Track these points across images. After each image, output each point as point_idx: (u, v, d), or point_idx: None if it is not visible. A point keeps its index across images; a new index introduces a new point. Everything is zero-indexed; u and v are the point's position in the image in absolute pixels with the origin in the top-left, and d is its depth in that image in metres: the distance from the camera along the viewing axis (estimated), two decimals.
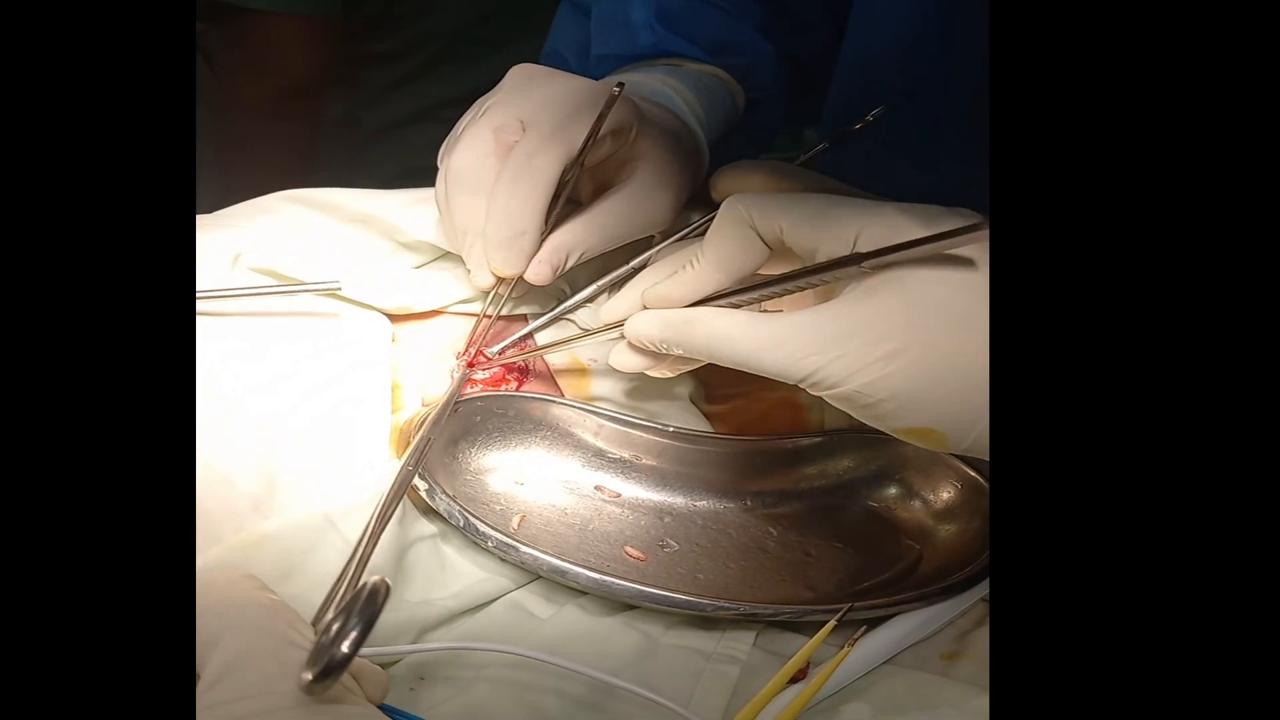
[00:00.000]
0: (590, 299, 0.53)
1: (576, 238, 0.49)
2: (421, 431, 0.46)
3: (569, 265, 0.49)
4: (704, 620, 0.45)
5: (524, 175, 0.45)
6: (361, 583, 0.32)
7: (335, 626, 0.31)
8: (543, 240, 0.48)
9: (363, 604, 0.31)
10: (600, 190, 0.52)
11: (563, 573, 0.43)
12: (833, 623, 0.42)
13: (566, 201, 0.48)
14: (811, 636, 0.45)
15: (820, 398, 0.53)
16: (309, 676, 0.29)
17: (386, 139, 1.09)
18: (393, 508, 0.40)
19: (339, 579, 0.38)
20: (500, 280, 0.50)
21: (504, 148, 0.47)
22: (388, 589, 0.32)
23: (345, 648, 0.30)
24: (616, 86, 0.45)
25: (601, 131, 0.46)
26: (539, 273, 0.47)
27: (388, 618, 0.41)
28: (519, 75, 0.50)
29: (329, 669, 0.29)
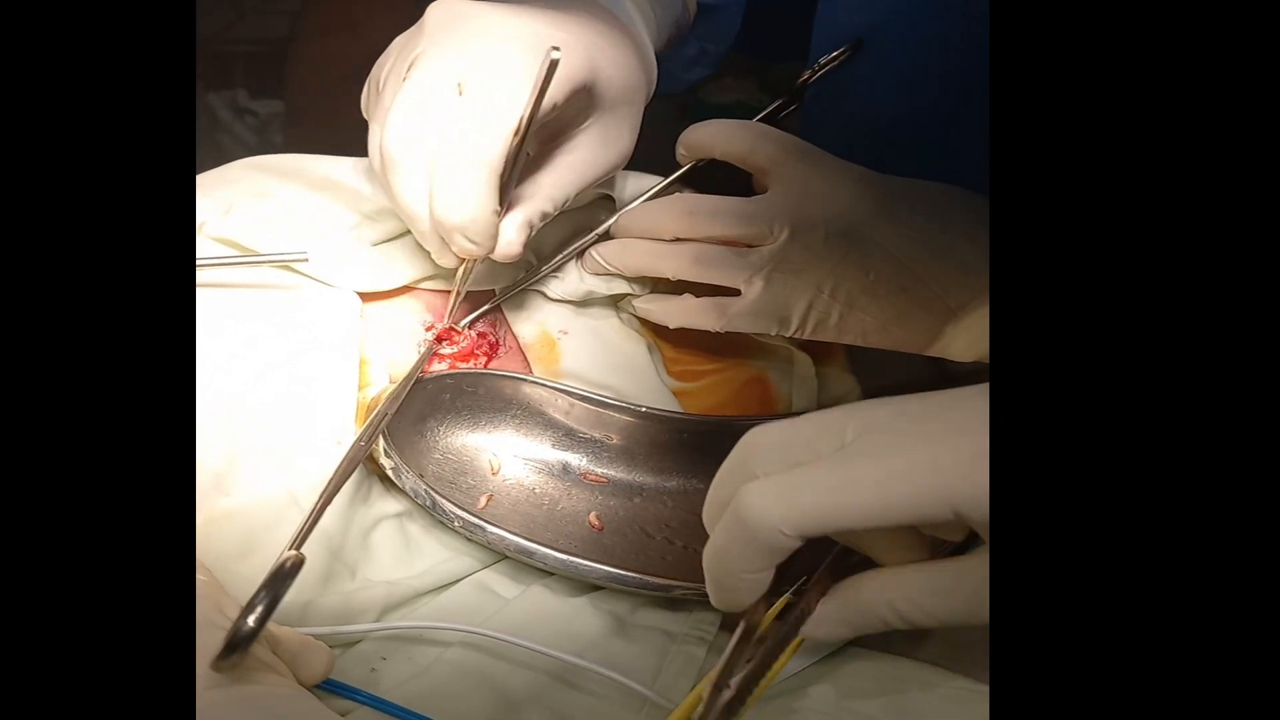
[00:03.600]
0: (557, 269, 0.53)
1: (540, 204, 0.46)
2: (379, 406, 0.45)
3: (536, 230, 0.47)
4: (670, 601, 0.45)
5: (471, 155, 0.42)
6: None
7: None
8: (504, 214, 0.45)
9: (269, 578, 0.31)
10: (554, 137, 0.48)
11: (530, 553, 0.43)
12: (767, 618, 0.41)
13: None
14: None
15: (789, 375, 0.54)
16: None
17: None
18: (342, 482, 0.40)
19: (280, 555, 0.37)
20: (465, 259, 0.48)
21: (442, 116, 0.42)
22: (297, 564, 0.32)
23: (250, 622, 0.30)
24: (554, 51, 0.39)
25: (547, 99, 0.42)
26: (509, 251, 0.45)
27: (352, 596, 0.41)
28: (441, 14, 0.45)
29: (232, 644, 0.29)
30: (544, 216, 0.46)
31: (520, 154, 0.43)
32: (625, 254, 0.50)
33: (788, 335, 0.49)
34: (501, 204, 0.43)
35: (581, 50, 0.44)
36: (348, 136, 0.53)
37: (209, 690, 0.29)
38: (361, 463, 0.45)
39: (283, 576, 0.31)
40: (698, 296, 0.51)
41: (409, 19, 0.47)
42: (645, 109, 0.51)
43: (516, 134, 0.41)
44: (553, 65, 0.39)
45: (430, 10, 0.45)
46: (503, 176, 0.42)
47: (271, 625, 0.34)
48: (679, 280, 0.50)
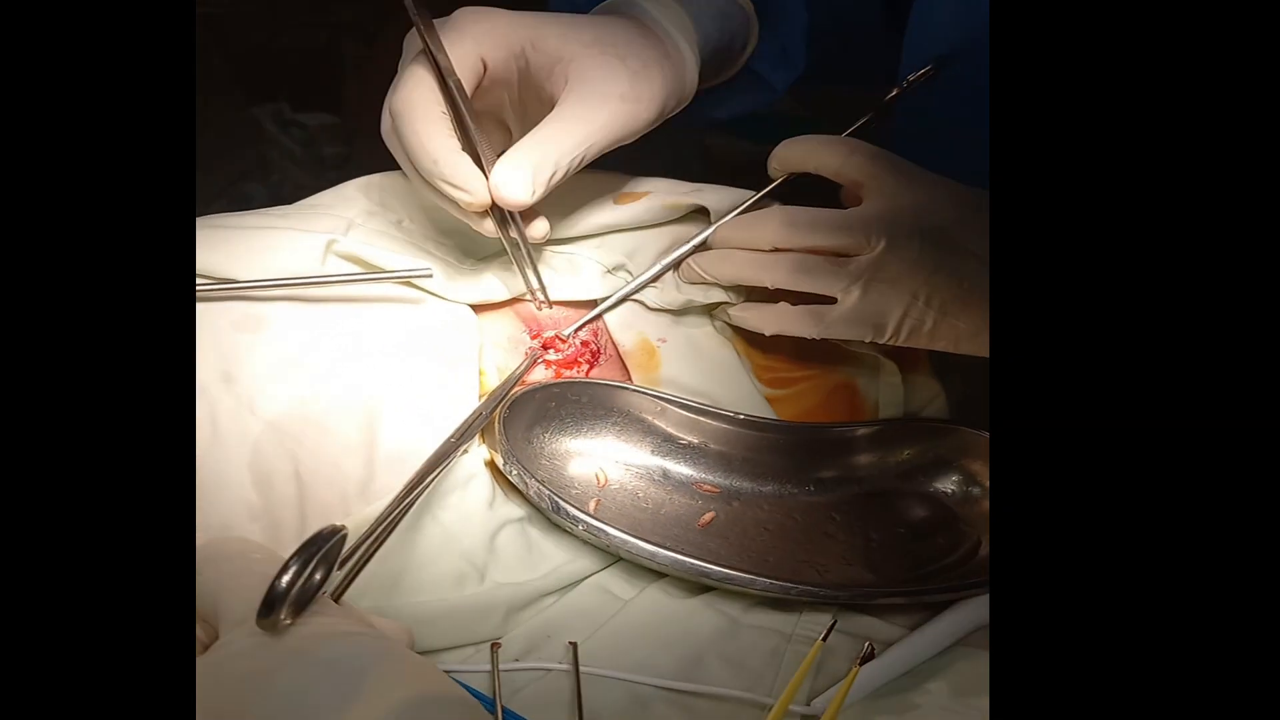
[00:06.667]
0: (655, 279, 0.55)
1: (533, 151, 0.46)
2: (476, 407, 0.47)
3: (540, 179, 0.46)
4: (780, 602, 0.47)
5: (418, 110, 0.45)
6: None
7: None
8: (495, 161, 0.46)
9: (305, 543, 0.32)
10: (547, 103, 0.49)
11: (652, 555, 0.45)
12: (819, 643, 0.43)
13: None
14: (881, 618, 0.47)
15: (876, 382, 0.56)
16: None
17: None
18: (429, 480, 0.41)
19: (367, 534, 0.38)
20: (487, 211, 0.47)
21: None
22: (336, 532, 0.33)
23: (283, 582, 0.30)
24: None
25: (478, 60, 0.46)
26: (508, 194, 0.45)
27: (481, 597, 0.43)
28: (455, 17, 0.48)
29: (269, 602, 0.30)
30: (543, 163, 0.46)
31: (461, 108, 0.46)
32: (724, 264, 0.52)
33: (882, 342, 0.51)
34: (481, 158, 0.46)
35: (523, 25, 0.48)
36: None
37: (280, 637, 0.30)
38: (487, 469, 0.47)
39: (319, 542, 0.32)
40: (793, 304, 0.52)
41: None
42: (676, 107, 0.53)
43: (444, 88, 0.45)
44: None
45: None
46: (456, 126, 0.45)
47: (348, 604, 0.35)
48: (775, 290, 0.52)
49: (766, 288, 0.52)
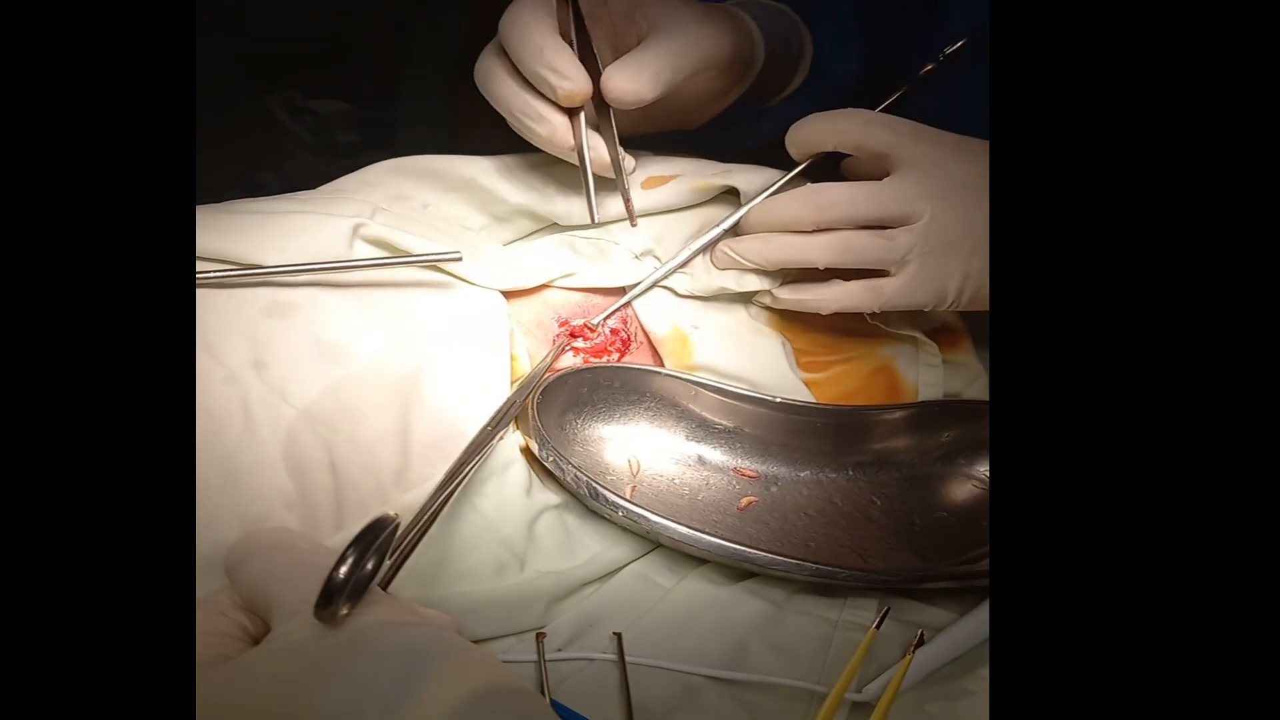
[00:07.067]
0: (685, 264, 0.53)
1: (641, 58, 0.47)
2: (509, 395, 0.46)
3: (662, 76, 0.47)
4: (824, 587, 0.46)
5: (519, 17, 0.46)
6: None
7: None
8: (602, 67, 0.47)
9: (360, 533, 0.31)
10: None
11: (695, 541, 0.44)
12: (872, 631, 0.42)
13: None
14: (927, 603, 0.46)
15: (916, 363, 0.54)
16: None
17: None
18: (464, 466, 0.41)
19: (411, 523, 0.38)
20: (572, 111, 0.48)
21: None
22: (390, 521, 0.32)
23: (342, 573, 0.30)
24: None
25: None
26: (617, 87, 0.46)
27: (522, 587, 0.42)
28: None
29: (327, 594, 0.30)
30: (657, 64, 0.47)
31: (571, 25, 0.47)
32: (767, 248, 0.50)
33: (944, 309, 0.50)
34: (578, 49, 0.47)
35: None
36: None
37: (338, 629, 0.30)
38: (523, 456, 0.46)
39: (375, 532, 0.31)
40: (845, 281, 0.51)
41: None
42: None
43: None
44: None
45: None
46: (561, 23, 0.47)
47: (395, 594, 0.34)
48: (823, 270, 0.51)
49: (813, 268, 0.51)
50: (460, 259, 0.47)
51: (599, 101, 0.48)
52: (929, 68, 0.55)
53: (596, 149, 0.49)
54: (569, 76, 0.45)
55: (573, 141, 0.47)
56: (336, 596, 0.30)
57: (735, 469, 0.51)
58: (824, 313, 0.51)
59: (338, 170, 0.56)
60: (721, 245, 0.52)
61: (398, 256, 0.47)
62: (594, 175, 0.49)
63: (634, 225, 0.52)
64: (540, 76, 0.46)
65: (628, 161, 0.50)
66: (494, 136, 0.55)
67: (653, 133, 0.58)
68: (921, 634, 0.41)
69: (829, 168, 0.55)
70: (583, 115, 0.48)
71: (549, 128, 0.47)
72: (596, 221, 0.50)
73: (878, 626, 0.41)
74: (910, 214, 0.48)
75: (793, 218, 0.50)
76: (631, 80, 0.46)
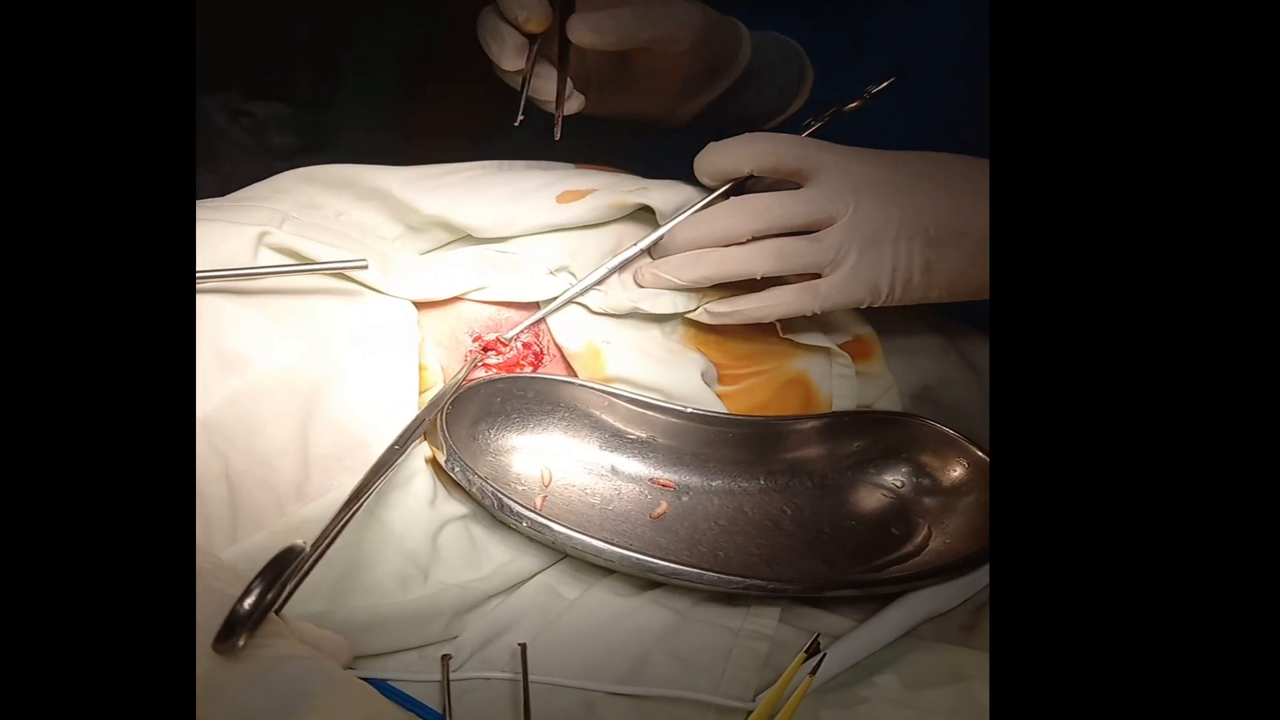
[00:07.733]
0: (599, 282, 0.53)
1: (623, 9, 0.51)
2: (417, 411, 0.46)
3: (627, 28, 0.51)
4: (729, 596, 0.46)
5: None
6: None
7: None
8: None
9: (268, 564, 0.31)
10: None
11: (598, 551, 0.44)
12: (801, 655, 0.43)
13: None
14: (832, 612, 0.47)
15: (830, 375, 0.55)
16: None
17: None
18: (371, 483, 0.40)
19: (313, 546, 0.37)
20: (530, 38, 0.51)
21: None
22: (296, 552, 0.32)
23: (246, 605, 0.30)
24: None
25: None
26: (593, 29, 0.50)
27: (426, 601, 0.42)
28: None
29: (230, 625, 0.29)
30: (614, 15, 0.51)
31: None
32: (699, 265, 0.51)
33: (879, 304, 0.51)
34: None
35: None
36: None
37: (231, 659, 0.30)
38: (429, 467, 0.46)
39: (283, 563, 0.31)
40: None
41: None
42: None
43: None
44: None
45: None
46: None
47: (290, 618, 0.34)
48: (759, 279, 0.51)
49: (742, 280, 0.51)
50: (366, 267, 0.46)
51: (564, 40, 0.51)
52: (854, 104, 0.56)
53: (543, 76, 0.52)
54: (527, 6, 0.49)
55: (522, 65, 0.51)
56: (239, 629, 0.29)
57: (651, 479, 0.51)
58: (766, 320, 0.52)
59: (275, 174, 0.55)
60: (648, 266, 0.53)
61: (302, 264, 0.46)
62: (531, 96, 0.52)
63: (558, 139, 0.54)
64: (506, 3, 0.50)
65: (575, 99, 0.54)
66: (437, 144, 0.56)
67: (634, 118, 0.61)
68: (816, 640, 0.42)
69: (736, 189, 0.55)
70: (536, 44, 0.51)
71: (500, 44, 0.50)
72: (517, 124, 0.52)
73: (808, 654, 0.41)
74: (835, 213, 0.50)
75: (728, 229, 0.51)
76: (595, 22, 0.50)
